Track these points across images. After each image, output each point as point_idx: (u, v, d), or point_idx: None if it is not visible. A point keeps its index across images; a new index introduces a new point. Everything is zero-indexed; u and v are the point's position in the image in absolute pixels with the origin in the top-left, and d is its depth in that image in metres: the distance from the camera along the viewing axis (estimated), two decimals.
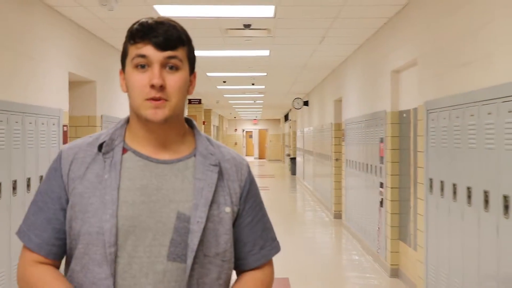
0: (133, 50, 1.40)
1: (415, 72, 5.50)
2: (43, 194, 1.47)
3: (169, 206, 1.41)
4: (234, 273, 1.54)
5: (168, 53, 1.39)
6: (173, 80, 1.40)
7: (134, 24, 1.43)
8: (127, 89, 1.43)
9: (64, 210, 1.44)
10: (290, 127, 26.10)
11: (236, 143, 38.08)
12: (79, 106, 6.81)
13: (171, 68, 1.40)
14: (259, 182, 19.76)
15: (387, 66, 6.48)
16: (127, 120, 1.51)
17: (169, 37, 1.39)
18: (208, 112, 21.89)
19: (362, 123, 7.90)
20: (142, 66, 1.39)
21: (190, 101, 16.49)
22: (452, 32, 4.39)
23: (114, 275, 1.37)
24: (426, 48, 5.05)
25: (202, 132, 1.55)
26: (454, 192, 4.25)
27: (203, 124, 18.98)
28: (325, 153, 12.30)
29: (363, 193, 7.90)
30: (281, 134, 35.22)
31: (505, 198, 3.39)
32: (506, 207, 3.38)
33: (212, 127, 23.19)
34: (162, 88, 1.38)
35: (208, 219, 1.42)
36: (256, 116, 34.79)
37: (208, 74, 11.43)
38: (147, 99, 1.38)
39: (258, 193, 1.58)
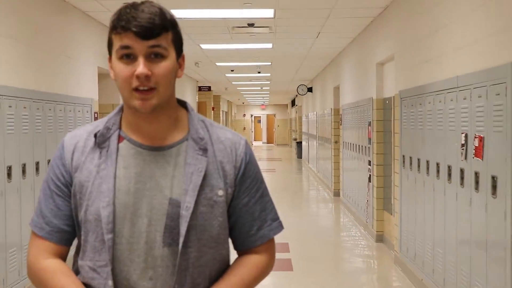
0: (117, 41, 1.40)
1: (393, 65, 6.45)
2: (50, 183, 1.51)
3: (162, 193, 1.43)
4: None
5: (151, 42, 1.38)
6: (159, 69, 1.39)
7: (116, 12, 1.42)
8: (115, 78, 1.45)
9: (70, 197, 1.49)
10: (296, 112, 27.00)
11: (244, 128, 39.04)
12: (106, 95, 7.83)
13: (156, 56, 1.39)
14: (267, 165, 20.77)
15: (373, 58, 7.43)
16: (122, 108, 1.53)
17: (151, 25, 1.37)
18: (217, 98, 22.84)
19: (355, 108, 8.85)
20: (128, 56, 1.39)
21: (200, 88, 17.46)
22: (418, 34, 5.33)
23: (112, 261, 1.42)
24: (400, 46, 6.00)
25: (204, 116, 1.53)
26: (418, 166, 5.23)
27: (213, 110, 19.93)
28: (326, 136, 13.28)
29: (356, 171, 8.88)
30: (288, 119, 36.14)
31: (449, 167, 4.36)
32: (449, 175, 4.36)
33: (221, 112, 24.16)
34: (147, 77, 1.38)
35: (200, 203, 1.44)
36: (264, 102, 35.64)
37: (217, 63, 12.40)
38: (134, 89, 1.39)
39: (256, 173, 1.55)
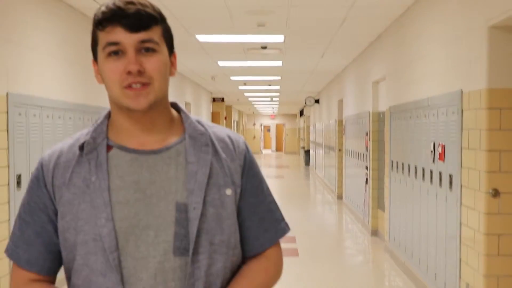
0: (103, 37, 1.29)
1: (386, 84, 7.56)
2: (27, 207, 1.36)
3: (166, 199, 1.31)
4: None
5: (142, 35, 1.27)
6: (151, 63, 1.29)
7: (100, 7, 1.29)
8: (103, 80, 1.33)
9: (53, 222, 1.34)
10: (304, 122, 28.11)
11: (254, 137, 40.13)
12: None
13: (147, 50, 1.29)
14: (276, 171, 21.88)
15: (370, 77, 8.55)
16: (108, 115, 1.40)
17: (140, 16, 1.27)
18: (229, 108, 24.00)
19: (355, 120, 9.97)
20: (116, 53, 1.28)
21: (214, 99, 18.63)
22: (403, 60, 6.45)
23: (122, 281, 1.28)
24: (390, 68, 7.12)
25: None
26: (402, 169, 6.33)
27: (225, 119, 21.06)
28: (331, 144, 14.39)
29: (356, 175, 9.99)
30: (297, 128, 37.21)
31: (423, 169, 5.46)
32: (423, 175, 5.46)
33: (232, 121, 25.31)
34: (140, 73, 1.27)
35: (208, 203, 1.32)
36: (274, 111, 36.75)
37: (232, 77, 13.57)
38: (126, 87, 1.28)
39: (259, 171, 1.46)
